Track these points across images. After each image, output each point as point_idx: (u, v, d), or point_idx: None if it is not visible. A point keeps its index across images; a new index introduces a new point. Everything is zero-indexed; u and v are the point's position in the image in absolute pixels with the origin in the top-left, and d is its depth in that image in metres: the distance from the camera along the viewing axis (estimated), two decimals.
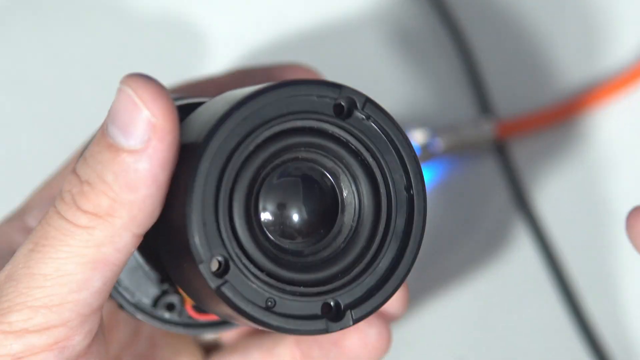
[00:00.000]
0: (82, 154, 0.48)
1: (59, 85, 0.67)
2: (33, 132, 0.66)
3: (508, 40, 0.67)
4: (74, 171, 0.45)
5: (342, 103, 0.42)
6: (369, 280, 0.43)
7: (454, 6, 0.67)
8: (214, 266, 0.41)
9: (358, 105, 0.42)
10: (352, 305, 0.42)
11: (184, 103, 0.47)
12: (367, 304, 0.42)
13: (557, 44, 0.67)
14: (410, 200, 0.43)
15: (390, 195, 0.43)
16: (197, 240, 0.41)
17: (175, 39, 0.68)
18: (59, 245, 0.43)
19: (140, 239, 0.44)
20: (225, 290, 0.41)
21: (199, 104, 0.46)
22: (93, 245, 0.43)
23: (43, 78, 0.67)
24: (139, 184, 0.43)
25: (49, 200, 0.54)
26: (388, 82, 0.67)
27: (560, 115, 0.65)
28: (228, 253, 0.41)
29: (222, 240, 0.41)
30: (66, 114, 0.66)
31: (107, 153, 0.43)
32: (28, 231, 0.52)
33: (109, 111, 0.43)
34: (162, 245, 0.46)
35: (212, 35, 0.67)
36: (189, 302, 0.49)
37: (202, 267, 0.41)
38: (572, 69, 0.66)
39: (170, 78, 0.54)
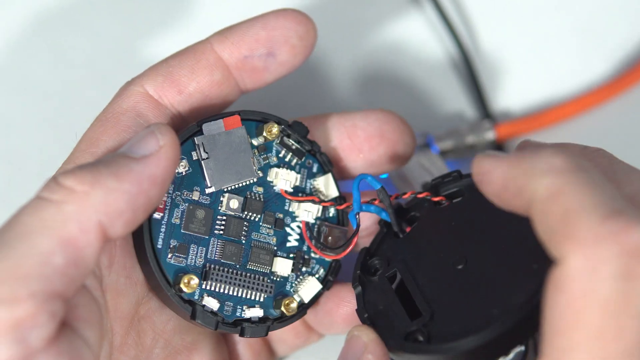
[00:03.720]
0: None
1: (61, 84, 0.67)
2: (33, 131, 0.66)
3: (506, 51, 0.68)
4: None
5: None
6: None
7: (457, 16, 0.69)
8: None
9: None
10: None
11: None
12: None
13: (554, 51, 0.69)
14: None
15: None
16: None
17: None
18: (30, 219, 0.45)
19: (105, 243, 0.46)
20: None
21: None
22: (60, 219, 0.45)
23: (45, 77, 0.67)
24: (126, 177, 0.46)
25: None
26: (391, 88, 0.67)
27: (553, 119, 0.67)
28: None
29: None
30: (68, 114, 0.66)
31: (108, 156, 0.47)
32: None
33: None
34: None
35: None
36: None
37: None
38: (565, 76, 0.68)
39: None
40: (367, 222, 0.56)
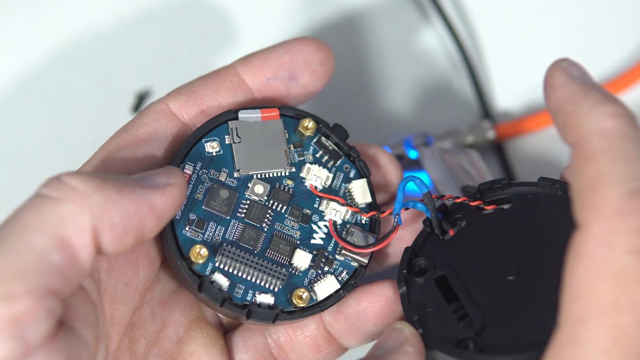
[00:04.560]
0: None
1: (61, 84, 0.68)
2: (33, 131, 0.67)
3: (506, 50, 0.69)
4: None
5: None
6: None
7: (457, 15, 0.69)
8: None
9: None
10: None
11: None
12: None
13: (554, 51, 0.68)
14: None
15: None
16: None
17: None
18: (27, 216, 0.45)
19: (97, 252, 0.46)
20: None
21: None
22: (57, 217, 0.45)
23: (45, 76, 0.68)
24: (127, 195, 0.47)
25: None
26: (391, 88, 0.68)
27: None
28: None
29: None
30: (69, 114, 0.67)
31: (119, 175, 0.49)
32: None
33: None
34: None
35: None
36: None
37: None
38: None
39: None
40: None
